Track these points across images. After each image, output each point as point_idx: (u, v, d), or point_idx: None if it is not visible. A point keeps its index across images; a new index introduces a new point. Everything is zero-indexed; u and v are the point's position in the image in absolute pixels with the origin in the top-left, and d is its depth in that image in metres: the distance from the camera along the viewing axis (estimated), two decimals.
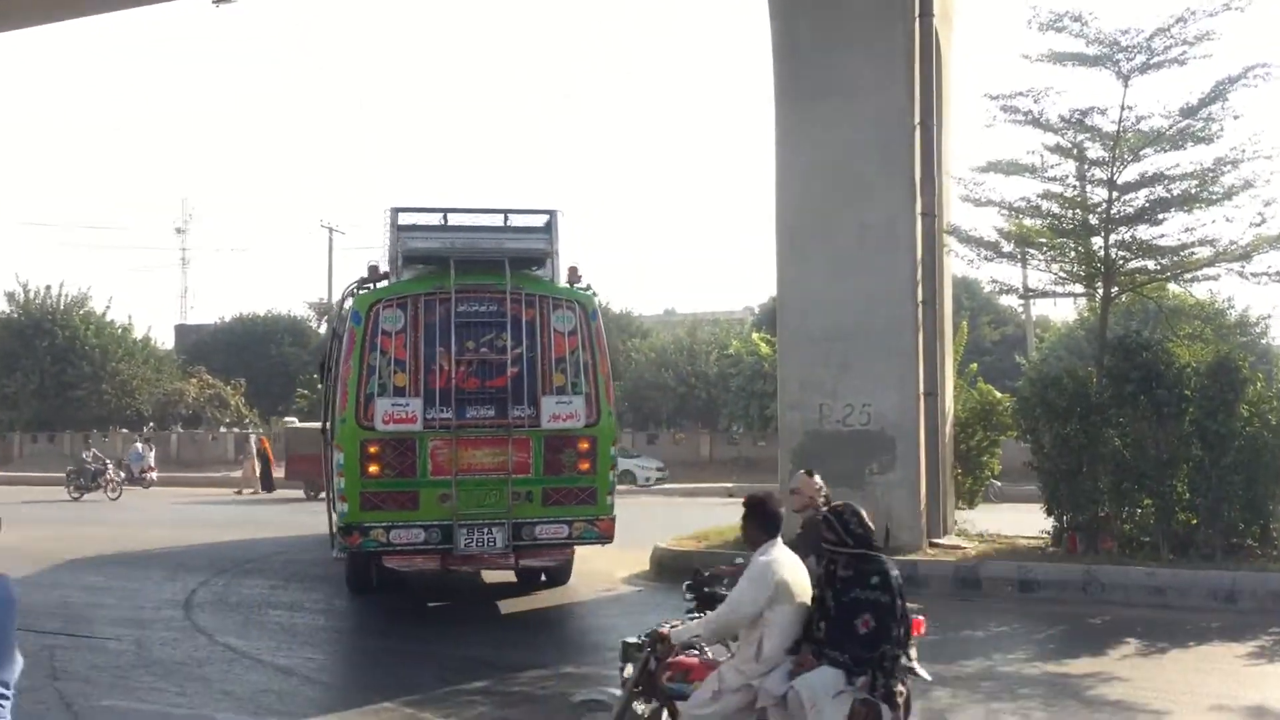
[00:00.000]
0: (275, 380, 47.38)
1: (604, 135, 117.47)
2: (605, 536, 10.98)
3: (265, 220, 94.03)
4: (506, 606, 11.58)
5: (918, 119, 13.68)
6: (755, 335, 36.70)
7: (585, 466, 10.94)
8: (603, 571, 14.14)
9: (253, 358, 48.83)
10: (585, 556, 15.20)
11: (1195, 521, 12.28)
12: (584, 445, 10.93)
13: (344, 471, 10.64)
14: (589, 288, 11.28)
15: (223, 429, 42.97)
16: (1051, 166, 13.78)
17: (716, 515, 21.03)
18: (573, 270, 11.27)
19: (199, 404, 44.06)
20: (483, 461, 10.76)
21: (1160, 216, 13.33)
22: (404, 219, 11.18)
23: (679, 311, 59.48)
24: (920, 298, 13.52)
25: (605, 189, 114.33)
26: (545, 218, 11.25)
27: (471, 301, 10.98)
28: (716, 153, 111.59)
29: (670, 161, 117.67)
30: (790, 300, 14.15)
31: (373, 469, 10.62)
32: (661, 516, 21.71)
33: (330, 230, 47.80)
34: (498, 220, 11.26)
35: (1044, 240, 13.86)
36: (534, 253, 11.18)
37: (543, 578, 12.55)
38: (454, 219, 11.26)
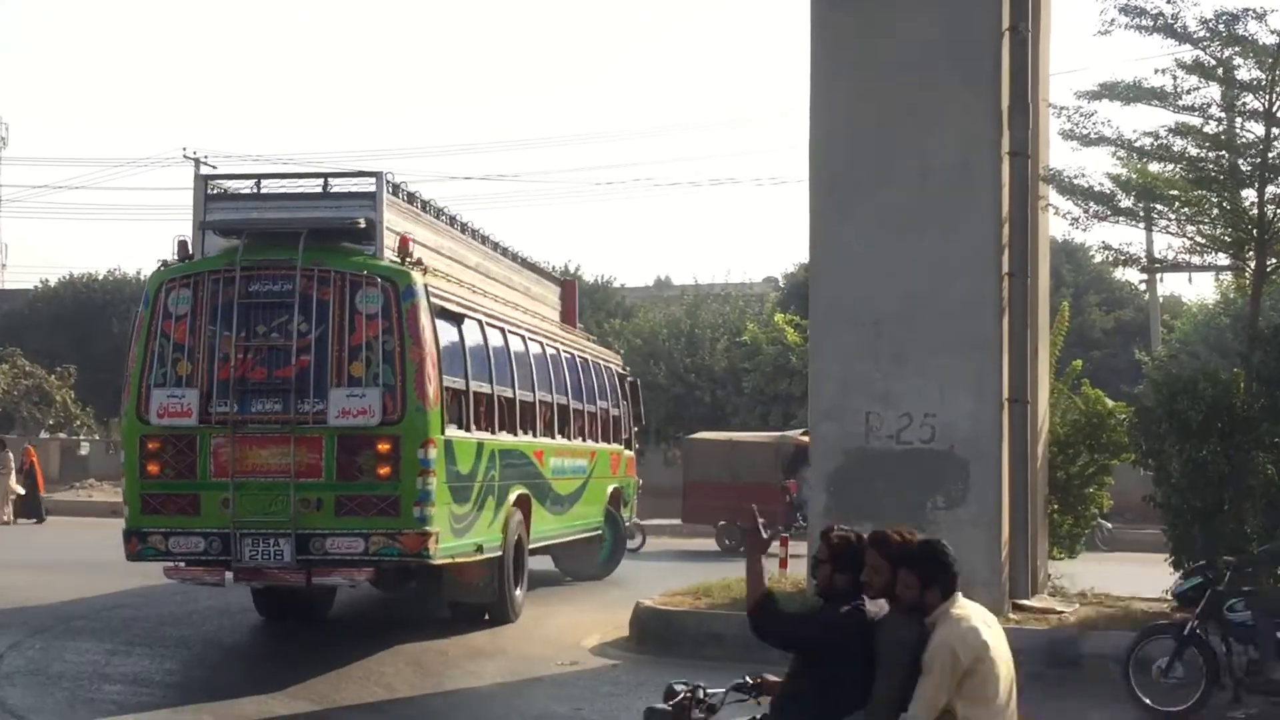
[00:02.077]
0: (120, 369, 47.08)
1: (585, 42, 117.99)
2: (410, 554, 12.26)
3: (106, 150, 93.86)
4: (425, 678, 11.94)
5: (1007, 22, 13.68)
6: (779, 317, 36.71)
7: (385, 471, 12.18)
8: (568, 634, 14.20)
9: (88, 337, 48.14)
10: (547, 613, 15.46)
11: None
12: (384, 447, 12.19)
13: (125, 471, 12.55)
14: (418, 261, 12.66)
15: (44, 433, 42.80)
16: (1189, 91, 13.76)
17: (722, 565, 21.09)
18: (403, 242, 12.66)
19: (10, 399, 43.82)
20: (267, 463, 12.27)
21: None
22: (214, 186, 13.04)
23: (675, 282, 59.28)
24: (1006, 268, 13.51)
25: (580, 115, 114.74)
26: (371, 182, 12.73)
27: (264, 280, 12.51)
28: (726, 66, 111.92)
29: (666, 80, 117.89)
30: (826, 270, 14.08)
31: (152, 468, 12.36)
32: (653, 562, 21.75)
33: (198, 162, 47.79)
34: (319, 186, 12.92)
35: (1176, 193, 13.83)
36: (336, 222, 12.67)
37: (485, 616, 14.35)
38: (269, 186, 12.96)
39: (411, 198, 13.91)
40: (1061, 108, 14.15)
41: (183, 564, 12.57)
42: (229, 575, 12.38)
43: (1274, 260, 14.05)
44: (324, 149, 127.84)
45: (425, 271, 12.83)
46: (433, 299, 12.78)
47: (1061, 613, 13.16)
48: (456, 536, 13.03)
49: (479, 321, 14.36)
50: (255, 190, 13.05)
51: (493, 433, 14.40)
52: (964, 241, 13.41)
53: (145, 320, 12.61)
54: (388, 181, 13.08)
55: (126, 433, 12.64)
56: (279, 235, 12.68)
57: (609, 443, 19.82)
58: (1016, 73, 13.72)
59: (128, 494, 12.62)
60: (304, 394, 12.29)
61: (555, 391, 17.16)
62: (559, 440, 17.17)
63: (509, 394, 15.08)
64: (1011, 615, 12.92)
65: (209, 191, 13.07)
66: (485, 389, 14.28)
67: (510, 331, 15.49)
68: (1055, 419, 15.41)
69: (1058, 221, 14.39)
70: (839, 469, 13.57)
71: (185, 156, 49.76)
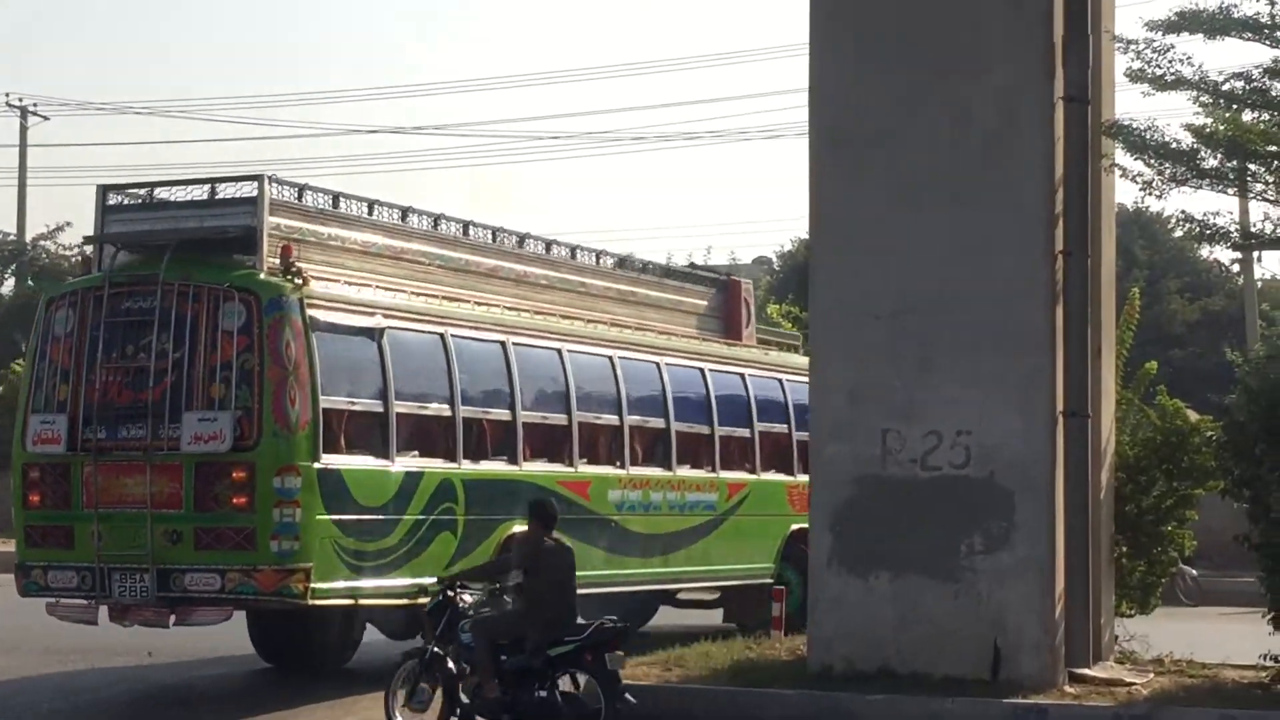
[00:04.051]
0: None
1: None
2: (267, 593, 13.74)
3: None
4: None
5: None
6: (773, 308, 36.77)
7: (241, 502, 13.75)
8: None
9: None
10: None
11: None
12: (239, 475, 13.75)
13: (13, 501, 14.79)
14: (297, 272, 14.10)
15: None
16: None
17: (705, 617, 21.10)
18: (285, 250, 14.19)
19: None
20: (132, 492, 14.09)
21: None
22: (112, 198, 15.03)
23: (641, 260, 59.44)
24: (1060, 245, 13.62)
25: (526, 55, 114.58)
26: (253, 187, 14.40)
27: (138, 297, 14.39)
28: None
29: (630, 6, 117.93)
30: (831, 249, 14.17)
31: (33, 498, 14.69)
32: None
33: (24, 113, 47.47)
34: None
35: (1276, 149, 13.94)
36: (206, 232, 14.48)
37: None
38: (162, 195, 15.08)
39: (341, 198, 15.49)
40: (1129, 41, 14.20)
41: (60, 600, 14.70)
42: (105, 612, 14.32)
43: None
44: (210, 93, 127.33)
45: (305, 282, 14.11)
46: (316, 312, 14.12)
47: (1132, 684, 13.25)
48: (363, 576, 14.36)
49: (438, 336, 15.61)
50: (149, 200, 15.09)
51: (454, 461, 15.51)
52: (1007, 212, 13.51)
53: (33, 342, 15.00)
54: (288, 184, 14.88)
55: (14, 461, 14.81)
56: (163, 249, 14.51)
57: (784, 473, 20.24)
58: None
59: (15, 525, 14.99)
60: (165, 418, 13.98)
61: (627, 413, 18.03)
62: (636, 470, 18.09)
63: (505, 417, 16.35)
64: (1069, 688, 13.03)
65: (107, 203, 15.01)
66: (441, 411, 15.55)
67: (520, 345, 16.67)
68: (1124, 438, 15.51)
69: (1126, 186, 14.48)
70: (848, 503, 13.67)
71: (9, 105, 49.51)
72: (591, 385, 17.67)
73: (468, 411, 15.81)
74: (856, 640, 13.43)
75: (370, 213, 15.81)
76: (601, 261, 19.31)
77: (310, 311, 14.06)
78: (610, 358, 18.07)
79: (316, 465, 13.92)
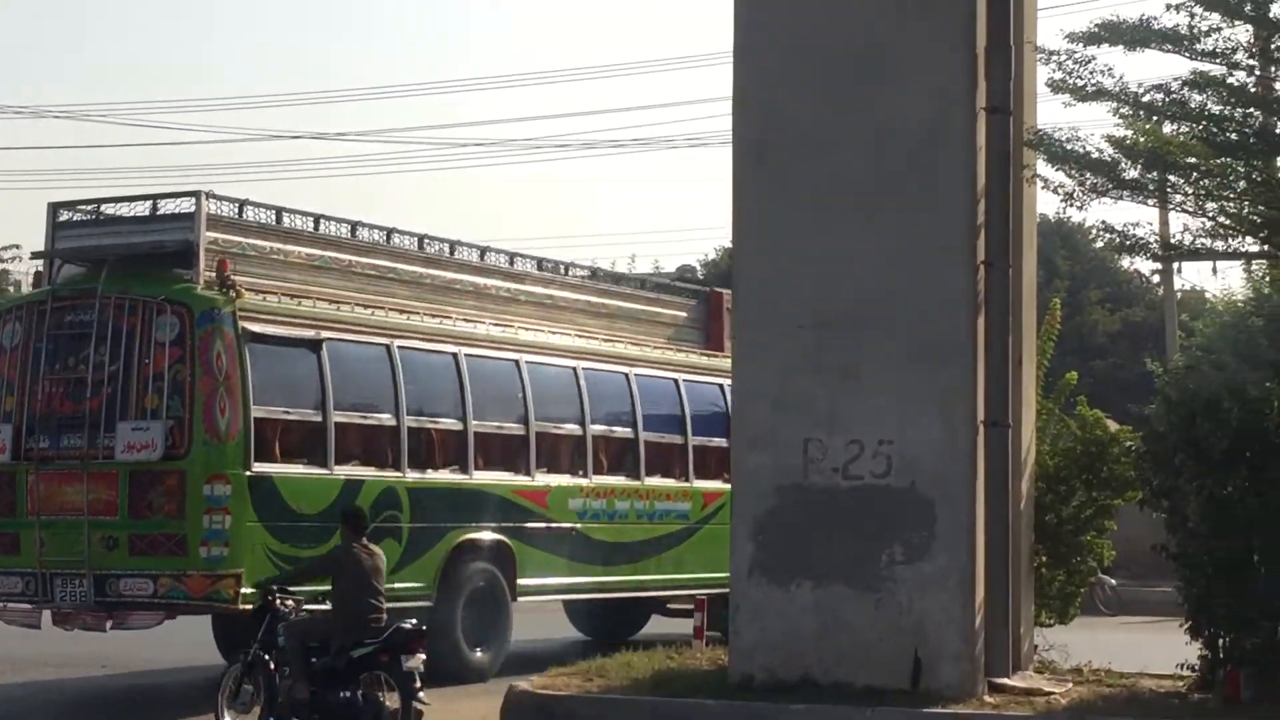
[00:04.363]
0: None
1: None
2: (197, 598, 14.52)
3: None
4: None
5: None
6: None
7: (173, 509, 14.49)
8: None
9: None
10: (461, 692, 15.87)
11: None
12: (170, 483, 14.50)
13: None
14: (231, 287, 14.76)
15: None
16: (1210, 33, 13.92)
17: (569, 629, 21.06)
18: (221, 264, 14.88)
19: None
20: (72, 500, 14.83)
21: None
22: (63, 214, 15.90)
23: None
24: (982, 255, 13.67)
25: (445, 63, 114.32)
26: (191, 203, 15.13)
27: (79, 310, 15.19)
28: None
29: (558, 13, 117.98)
30: (755, 259, 14.17)
31: None
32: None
33: None
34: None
35: (1194, 160, 14.03)
36: (144, 247, 15.20)
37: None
38: (108, 210, 15.92)
39: (285, 213, 16.26)
40: (1051, 52, 14.25)
41: (7, 605, 15.50)
42: (48, 616, 15.30)
43: None
44: (127, 96, 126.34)
45: (239, 295, 14.81)
46: (250, 324, 14.83)
47: (1050, 694, 13.28)
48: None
49: (383, 348, 16.34)
50: (96, 217, 15.97)
51: (398, 470, 16.29)
52: (929, 223, 13.54)
53: None
54: (227, 200, 15.65)
55: None
56: (106, 263, 15.33)
57: None
58: (995, 5, 13.88)
59: None
60: (102, 428, 14.75)
61: (591, 423, 18.51)
62: (600, 480, 18.59)
63: (456, 427, 17.02)
64: (988, 698, 13.06)
65: (58, 219, 15.88)
66: (386, 420, 16.32)
67: (473, 356, 17.34)
68: (1044, 447, 15.58)
69: (1048, 197, 14.53)
70: (770, 512, 13.64)
71: None
72: (553, 396, 18.15)
73: (414, 421, 16.44)
74: (778, 650, 13.42)
75: (317, 227, 16.47)
76: (570, 274, 19.90)
77: (243, 324, 14.72)
78: (574, 369, 18.53)
79: (247, 473, 14.63)
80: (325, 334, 15.65)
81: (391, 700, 12.29)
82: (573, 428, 18.48)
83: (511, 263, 18.88)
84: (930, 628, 13.18)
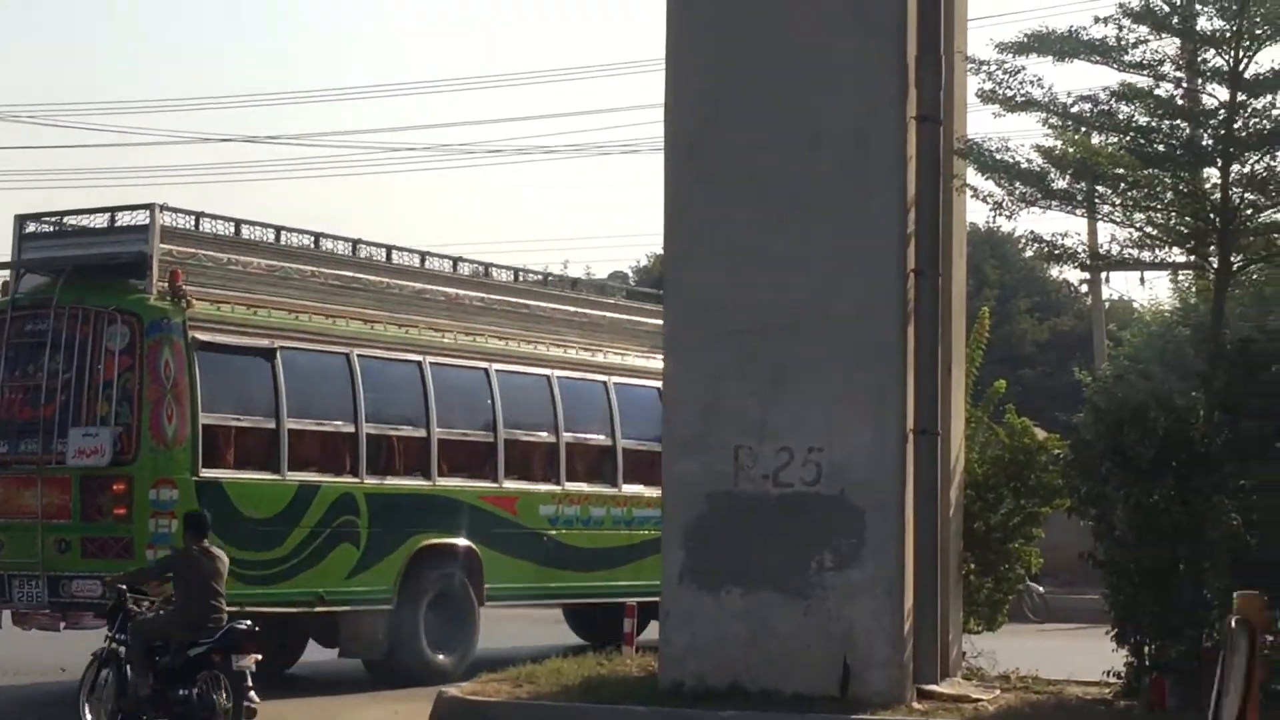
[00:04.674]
0: None
1: None
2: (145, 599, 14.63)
3: None
4: None
5: None
6: None
7: (121, 513, 15.04)
8: None
9: None
10: (341, 706, 15.92)
11: None
12: (119, 487, 15.05)
13: None
14: (181, 297, 15.27)
15: None
16: (1137, 45, 14.05)
17: (557, 634, 21.04)
18: (173, 275, 15.32)
19: None
20: (28, 504, 15.40)
21: None
22: (29, 226, 16.37)
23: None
24: (912, 263, 13.72)
25: (380, 65, 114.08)
26: (146, 215, 15.63)
27: (38, 319, 15.74)
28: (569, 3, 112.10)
29: (489, 17, 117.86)
30: (686, 264, 14.18)
31: None
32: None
33: None
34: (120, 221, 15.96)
35: (1122, 171, 14.12)
36: (100, 259, 15.68)
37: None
38: (70, 222, 16.35)
39: (244, 225, 16.71)
40: (981, 62, 14.32)
41: None
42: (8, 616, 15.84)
43: (1241, 256, 14.40)
44: (55, 98, 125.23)
45: (189, 305, 15.31)
46: (200, 334, 15.34)
47: (978, 701, 13.34)
48: (251, 584, 15.34)
49: (343, 356, 16.80)
50: (59, 229, 16.41)
51: (355, 476, 16.69)
52: (860, 230, 13.58)
53: None
54: (184, 212, 16.12)
55: None
56: (65, 273, 15.85)
57: None
58: (926, 15, 13.93)
59: None
60: (55, 434, 15.27)
61: (565, 430, 18.98)
62: (574, 486, 19.05)
63: (420, 434, 17.42)
64: (916, 705, 13.10)
65: (24, 231, 16.31)
66: (344, 427, 16.71)
67: (440, 364, 17.75)
68: (973, 455, 15.64)
69: (978, 206, 14.60)
70: (700, 519, 13.66)
71: None
72: (524, 404, 18.57)
73: (373, 429, 16.86)
74: (707, 657, 13.43)
75: (278, 239, 16.94)
76: (547, 283, 20.77)
77: (193, 333, 15.25)
78: (548, 377, 18.91)
79: (195, 478, 15.11)
80: (280, 343, 16.12)
81: (227, 699, 12.54)
82: (545, 435, 18.86)
83: (486, 273, 19.39)
84: (859, 635, 13.20)
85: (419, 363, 17.49)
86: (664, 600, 13.88)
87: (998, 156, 14.18)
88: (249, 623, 12.69)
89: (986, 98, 14.30)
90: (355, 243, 17.68)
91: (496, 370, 18.33)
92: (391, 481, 17.06)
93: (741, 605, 13.42)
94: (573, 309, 20.27)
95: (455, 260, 19.01)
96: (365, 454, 16.71)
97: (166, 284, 15.30)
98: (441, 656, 17.04)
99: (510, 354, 18.69)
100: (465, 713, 13.49)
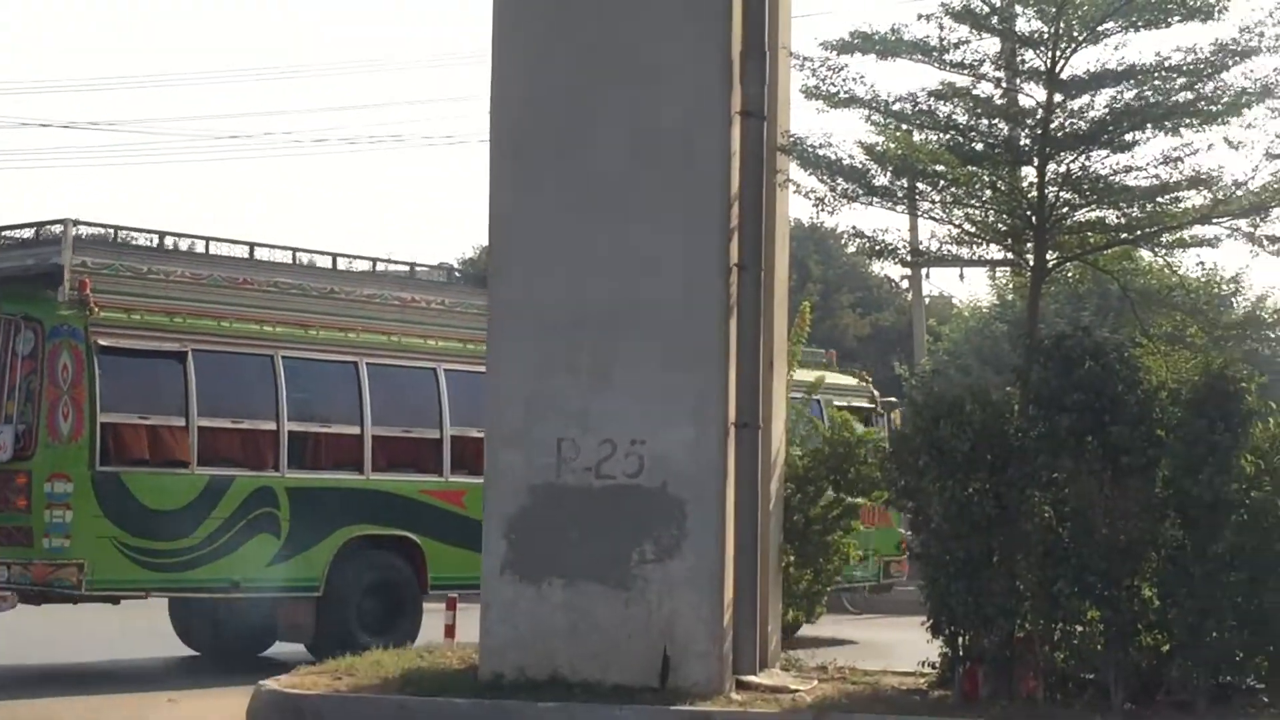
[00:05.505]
0: None
1: None
2: (40, 584, 16.24)
3: None
4: None
5: None
6: None
7: (22, 504, 16.21)
8: None
9: None
10: (157, 701, 15.50)
11: (1167, 649, 12.92)
12: (20, 480, 16.24)
13: None
14: (84, 304, 16.33)
15: None
16: (958, 45, 14.22)
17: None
18: (81, 285, 16.38)
19: None
20: None
21: (1127, 137, 13.94)
22: None
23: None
24: (735, 258, 13.77)
25: (196, 52, 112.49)
26: (60, 229, 16.71)
27: None
28: None
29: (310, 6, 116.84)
30: (511, 258, 14.14)
31: None
32: None
33: None
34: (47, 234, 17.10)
35: (943, 169, 14.29)
36: (15, 270, 16.80)
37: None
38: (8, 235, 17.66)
39: (168, 236, 18.14)
40: (806, 59, 14.37)
41: None
42: None
43: (1054, 255, 14.61)
44: None
45: (92, 312, 16.35)
46: (103, 338, 16.42)
47: (796, 691, 13.43)
48: (160, 570, 16.78)
49: (267, 357, 17.77)
50: None
51: (276, 470, 17.68)
52: (683, 225, 13.62)
53: None
54: (102, 226, 17.72)
55: None
56: None
57: None
58: (751, 11, 13.99)
59: None
60: None
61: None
62: None
63: (353, 431, 18.33)
64: (735, 695, 13.17)
65: None
66: (265, 425, 17.70)
67: (377, 364, 18.63)
68: (794, 449, 15.75)
69: (801, 202, 14.67)
70: (523, 511, 13.62)
71: None
72: (467, 401, 18.84)
73: (298, 426, 17.88)
74: (528, 648, 13.40)
75: (208, 250, 18.15)
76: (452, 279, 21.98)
77: (95, 338, 16.37)
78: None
79: (92, 472, 16.27)
80: (195, 346, 17.22)
81: None
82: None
83: (412, 274, 20.54)
84: (679, 626, 13.25)
85: (354, 363, 18.48)
86: (484, 592, 13.82)
87: (820, 153, 14.25)
88: None
89: (810, 94, 14.36)
90: (294, 251, 18.94)
91: (445, 370, 19.16)
92: (318, 475, 18.07)
93: (563, 597, 13.41)
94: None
95: (414, 267, 20.48)
96: (286, 450, 17.71)
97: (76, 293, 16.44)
98: (377, 642, 17.33)
99: (454, 354, 19.30)
100: (282, 706, 13.33)
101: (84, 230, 17.43)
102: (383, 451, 18.58)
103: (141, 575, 16.71)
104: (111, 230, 17.82)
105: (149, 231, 18.10)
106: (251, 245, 18.54)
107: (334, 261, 19.28)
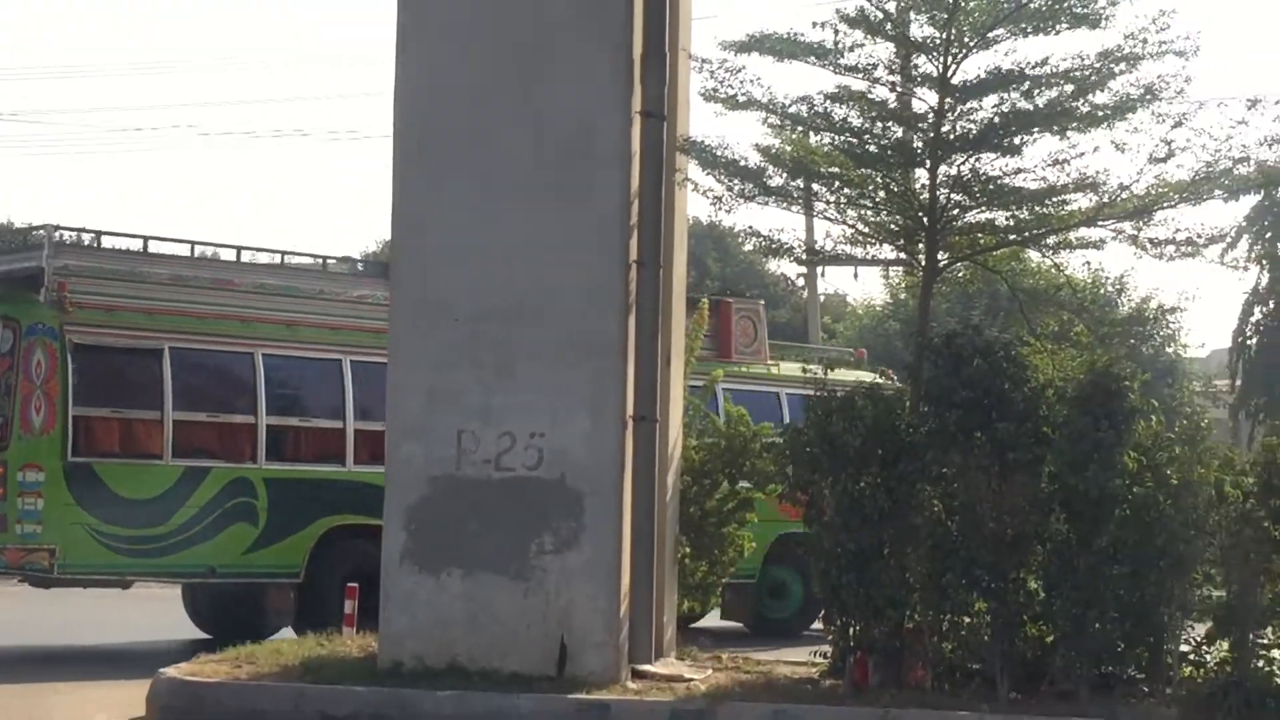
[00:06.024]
0: None
1: None
2: (15, 567, 17.26)
3: None
4: None
5: None
6: None
7: (0, 492, 16.92)
8: (73, 713, 14.28)
9: None
10: (59, 691, 15.57)
11: (1051, 640, 13.14)
12: None
13: None
14: (60, 304, 17.06)
15: None
16: (852, 49, 14.39)
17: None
18: (60, 286, 17.11)
19: None
20: None
21: (1016, 140, 14.19)
22: None
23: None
24: (634, 255, 13.90)
25: (98, 44, 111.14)
26: (43, 235, 17.60)
27: None
28: None
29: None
30: (413, 251, 14.21)
31: None
32: None
33: None
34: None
35: (837, 171, 14.50)
36: (8, 273, 17.54)
37: None
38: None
39: (153, 240, 18.67)
40: (704, 61, 14.52)
41: None
42: None
43: (944, 255, 14.85)
44: None
45: (67, 312, 17.09)
46: (77, 336, 17.12)
47: (690, 680, 13.56)
48: (134, 555, 17.53)
49: (247, 355, 18.39)
50: None
51: (254, 461, 18.33)
52: (583, 221, 13.75)
53: None
54: (87, 231, 18.71)
55: None
56: None
57: None
58: (652, 11, 14.11)
59: None
60: None
61: None
62: None
63: (335, 424, 18.93)
64: (631, 684, 13.31)
65: None
66: (243, 419, 18.40)
67: (361, 361, 18.90)
68: (690, 442, 15.90)
69: (700, 201, 14.81)
70: (422, 501, 13.71)
71: None
72: None
73: (276, 419, 18.50)
74: (427, 637, 13.50)
75: (193, 253, 19.17)
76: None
77: (70, 336, 17.07)
78: None
79: (63, 463, 17.00)
80: (172, 344, 17.82)
81: None
82: None
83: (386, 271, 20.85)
84: (576, 616, 13.38)
85: (339, 360, 18.99)
86: (384, 582, 13.89)
87: (718, 153, 14.40)
88: None
89: (709, 96, 14.51)
90: (283, 254, 19.85)
91: None
92: (298, 467, 18.69)
93: (462, 587, 13.51)
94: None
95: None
96: (265, 442, 18.35)
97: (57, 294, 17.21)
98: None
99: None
100: (182, 694, 13.29)
101: (83, 236, 18.59)
102: (367, 446, 18.78)
103: (115, 560, 17.42)
104: (94, 235, 18.50)
105: (134, 235, 18.59)
106: (239, 249, 19.38)
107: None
